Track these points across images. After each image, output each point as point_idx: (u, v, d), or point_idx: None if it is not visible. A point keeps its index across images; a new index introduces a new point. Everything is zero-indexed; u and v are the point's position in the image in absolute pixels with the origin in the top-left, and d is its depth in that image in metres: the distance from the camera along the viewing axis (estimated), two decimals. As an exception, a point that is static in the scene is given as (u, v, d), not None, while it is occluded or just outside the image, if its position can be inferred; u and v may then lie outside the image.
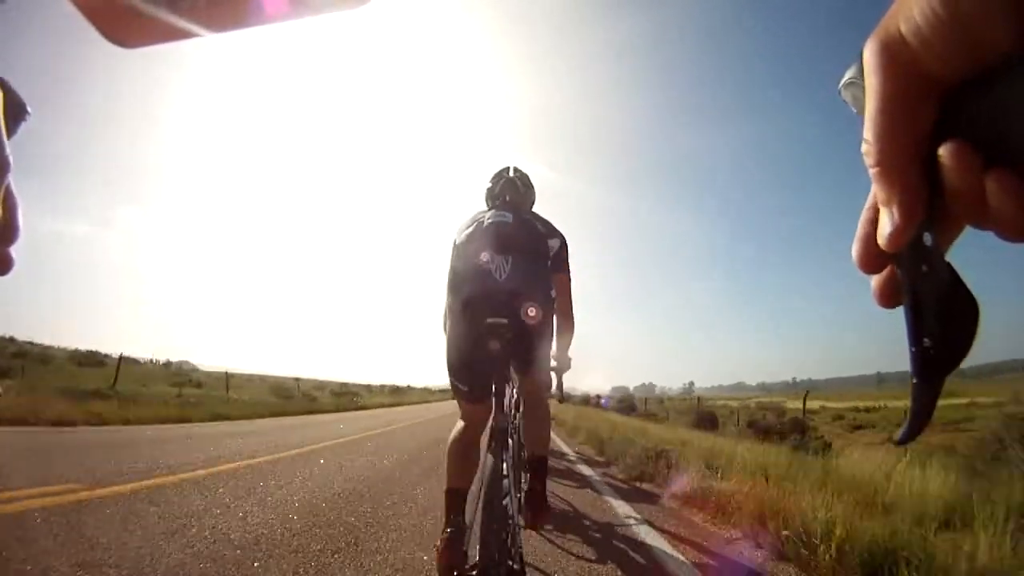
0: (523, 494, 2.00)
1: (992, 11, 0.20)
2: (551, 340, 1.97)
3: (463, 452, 1.86)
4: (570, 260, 2.07)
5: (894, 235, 0.24)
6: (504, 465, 1.63)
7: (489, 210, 1.98)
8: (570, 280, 2.08)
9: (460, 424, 1.90)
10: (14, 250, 0.30)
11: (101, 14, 0.30)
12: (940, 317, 0.24)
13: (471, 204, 2.27)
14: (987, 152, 0.22)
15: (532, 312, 1.73)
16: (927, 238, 0.24)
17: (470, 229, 1.90)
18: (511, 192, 2.07)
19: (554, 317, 1.94)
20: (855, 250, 0.27)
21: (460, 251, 1.87)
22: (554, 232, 2.03)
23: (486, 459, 1.59)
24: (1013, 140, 0.21)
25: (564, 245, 2.04)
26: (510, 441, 1.78)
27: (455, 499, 1.79)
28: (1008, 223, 0.22)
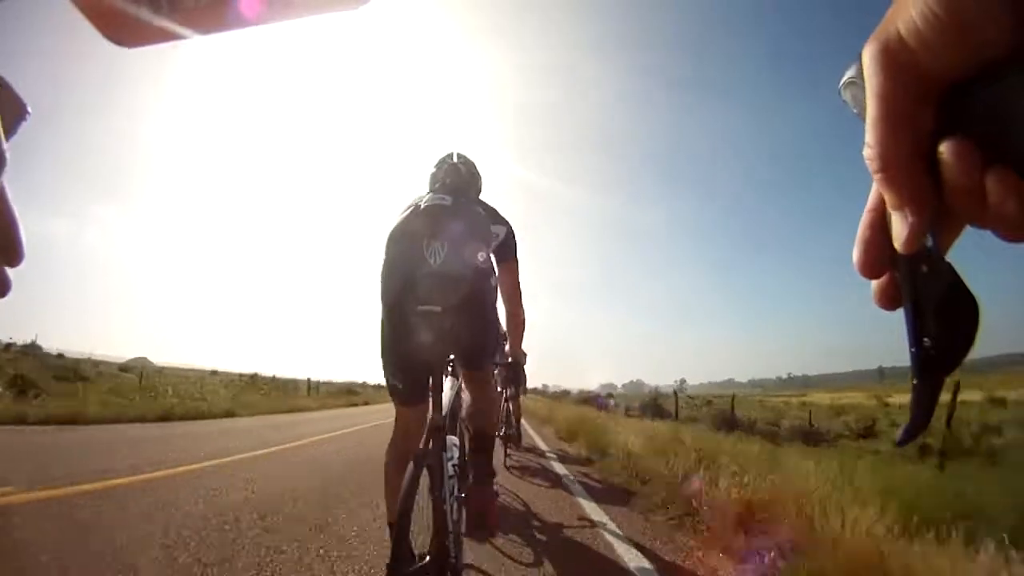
0: (467, 485, 1.90)
1: (991, 11, 0.21)
2: (496, 329, 1.91)
3: (399, 462, 1.75)
4: (518, 249, 2.04)
5: (910, 237, 0.25)
6: (447, 466, 1.60)
7: (427, 194, 1.89)
8: (518, 269, 2.05)
9: (396, 436, 1.80)
10: (13, 272, 0.29)
11: (101, 14, 0.30)
12: (940, 317, 0.25)
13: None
14: (987, 150, 0.23)
15: (476, 299, 1.66)
16: (928, 238, 0.25)
17: (406, 213, 1.82)
18: (454, 177, 1.98)
19: (495, 306, 1.89)
20: (856, 255, 0.28)
21: (394, 236, 1.77)
22: (499, 219, 1.99)
23: (423, 462, 1.50)
24: (1013, 138, 0.22)
25: (511, 233, 2.01)
26: (447, 440, 1.73)
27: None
28: (1008, 221, 0.23)
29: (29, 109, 0.31)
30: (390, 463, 1.79)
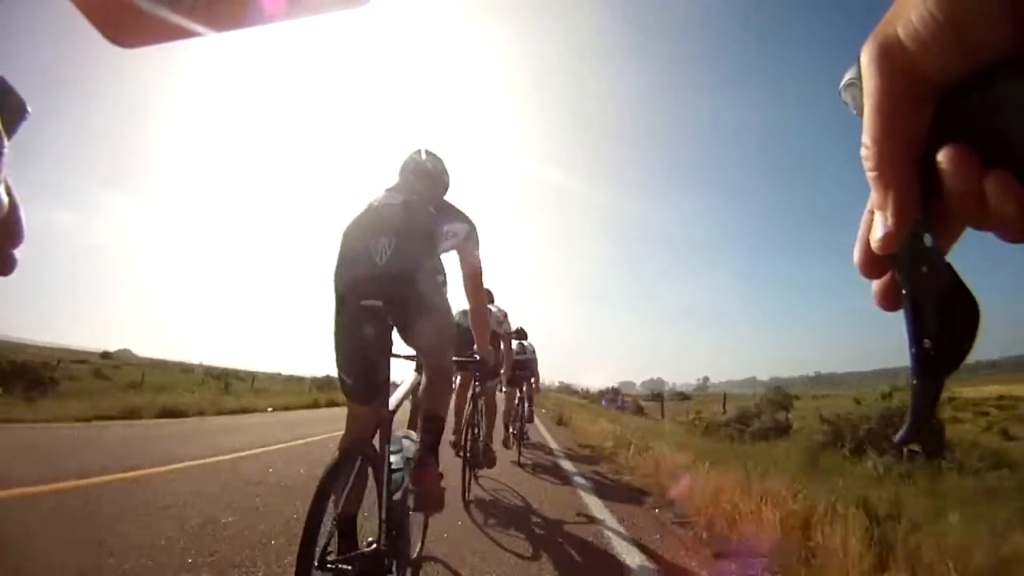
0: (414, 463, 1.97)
1: (989, 14, 0.22)
2: (446, 324, 1.97)
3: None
4: (479, 246, 2.10)
5: (886, 239, 0.26)
6: (393, 458, 1.72)
7: (382, 192, 1.99)
8: (480, 267, 2.15)
9: (346, 435, 1.88)
10: (17, 252, 0.31)
11: (101, 14, 0.31)
12: (940, 318, 0.26)
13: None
14: (985, 154, 0.23)
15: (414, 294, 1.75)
16: (928, 239, 0.26)
17: (359, 212, 1.92)
18: (418, 173, 2.09)
19: (443, 302, 1.95)
20: (856, 254, 0.29)
21: (346, 235, 1.87)
22: (459, 217, 2.05)
23: (355, 451, 1.60)
24: (1010, 142, 0.23)
25: (472, 231, 2.08)
26: (398, 434, 1.84)
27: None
28: (1008, 225, 0.23)
29: (29, 109, 0.31)
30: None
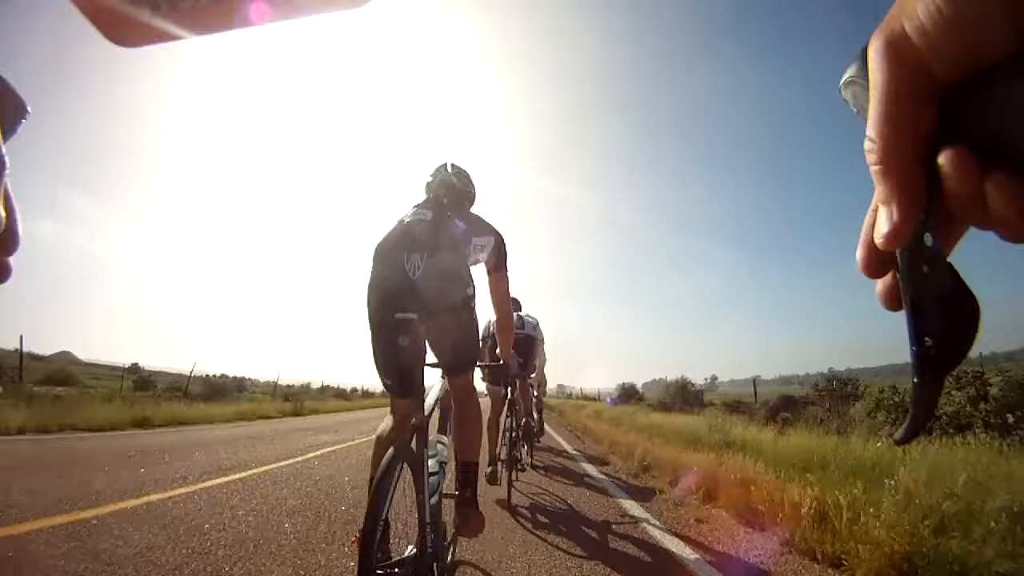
0: (455, 498, 2.09)
1: (994, 12, 0.22)
2: (474, 336, 2.07)
3: (386, 447, 1.98)
4: (507, 258, 2.21)
5: (891, 234, 0.26)
6: (430, 462, 1.79)
7: (412, 208, 2.10)
8: (506, 278, 2.27)
9: (387, 420, 2.03)
10: (12, 259, 0.32)
11: (101, 14, 0.32)
12: (941, 317, 0.26)
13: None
14: (987, 154, 0.24)
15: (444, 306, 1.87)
16: (928, 239, 0.26)
17: (391, 228, 2.04)
18: (446, 188, 2.21)
19: (475, 313, 2.06)
20: (859, 253, 0.29)
21: (379, 251, 1.98)
22: (486, 230, 2.18)
23: (401, 455, 1.64)
24: (1012, 143, 0.23)
25: (499, 243, 2.18)
26: (431, 438, 1.93)
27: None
28: (1009, 226, 0.24)
29: (29, 109, 0.32)
30: (378, 442, 2.01)
